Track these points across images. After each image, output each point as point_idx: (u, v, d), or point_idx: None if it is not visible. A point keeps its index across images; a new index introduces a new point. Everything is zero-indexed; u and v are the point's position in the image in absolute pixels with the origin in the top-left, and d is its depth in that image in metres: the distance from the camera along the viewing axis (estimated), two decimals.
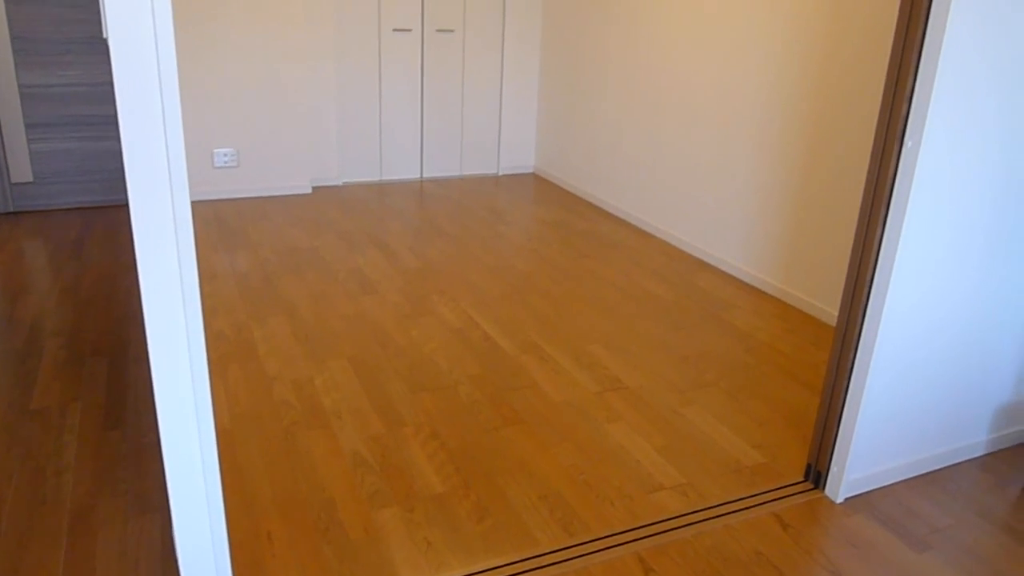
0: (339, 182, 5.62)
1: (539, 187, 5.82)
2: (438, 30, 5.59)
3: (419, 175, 5.90)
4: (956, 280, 2.28)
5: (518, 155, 6.16)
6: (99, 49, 4.67)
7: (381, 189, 5.58)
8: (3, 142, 4.62)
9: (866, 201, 2.14)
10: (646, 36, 4.68)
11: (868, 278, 2.17)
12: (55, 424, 2.58)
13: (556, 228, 4.86)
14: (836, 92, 3.46)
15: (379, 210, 5.07)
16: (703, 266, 4.30)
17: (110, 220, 4.68)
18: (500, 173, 6.15)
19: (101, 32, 4.57)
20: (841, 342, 2.30)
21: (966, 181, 2.14)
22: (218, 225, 4.64)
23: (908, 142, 2.01)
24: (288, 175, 5.29)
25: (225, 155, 5.08)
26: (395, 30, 5.46)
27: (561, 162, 5.82)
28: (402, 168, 5.82)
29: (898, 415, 2.38)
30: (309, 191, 5.39)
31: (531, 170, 6.25)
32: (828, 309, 3.63)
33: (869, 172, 2.12)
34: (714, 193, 4.27)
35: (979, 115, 2.08)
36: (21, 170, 4.71)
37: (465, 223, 4.87)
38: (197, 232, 4.48)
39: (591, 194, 5.45)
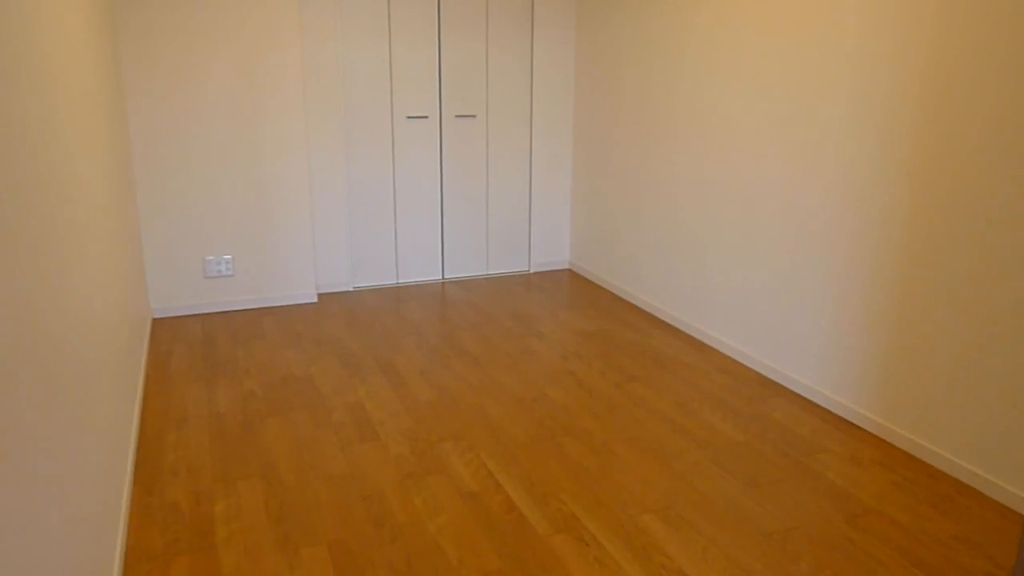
0: (349, 287, 5.00)
1: (575, 287, 5.14)
2: (457, 116, 5.02)
3: (440, 276, 5.26)
4: None
5: (551, 250, 5.51)
6: None
7: (397, 294, 4.94)
8: None
9: None
10: (695, 108, 4.04)
11: None
12: None
13: (596, 341, 4.15)
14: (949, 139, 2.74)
15: (391, 323, 4.41)
16: (776, 389, 3.54)
17: None
18: (531, 271, 5.49)
19: None
20: None
21: None
22: (204, 347, 4.01)
23: None
24: (291, 282, 4.68)
25: (218, 263, 4.49)
26: (409, 117, 4.90)
27: (601, 257, 5.14)
28: (421, 269, 5.20)
29: None
30: (315, 299, 4.76)
31: (566, 266, 5.58)
32: (947, 455, 2.84)
33: None
34: (781, 294, 3.54)
35: None
36: None
37: (489, 337, 4.19)
38: (177, 357, 3.86)
39: (635, 295, 4.75)
